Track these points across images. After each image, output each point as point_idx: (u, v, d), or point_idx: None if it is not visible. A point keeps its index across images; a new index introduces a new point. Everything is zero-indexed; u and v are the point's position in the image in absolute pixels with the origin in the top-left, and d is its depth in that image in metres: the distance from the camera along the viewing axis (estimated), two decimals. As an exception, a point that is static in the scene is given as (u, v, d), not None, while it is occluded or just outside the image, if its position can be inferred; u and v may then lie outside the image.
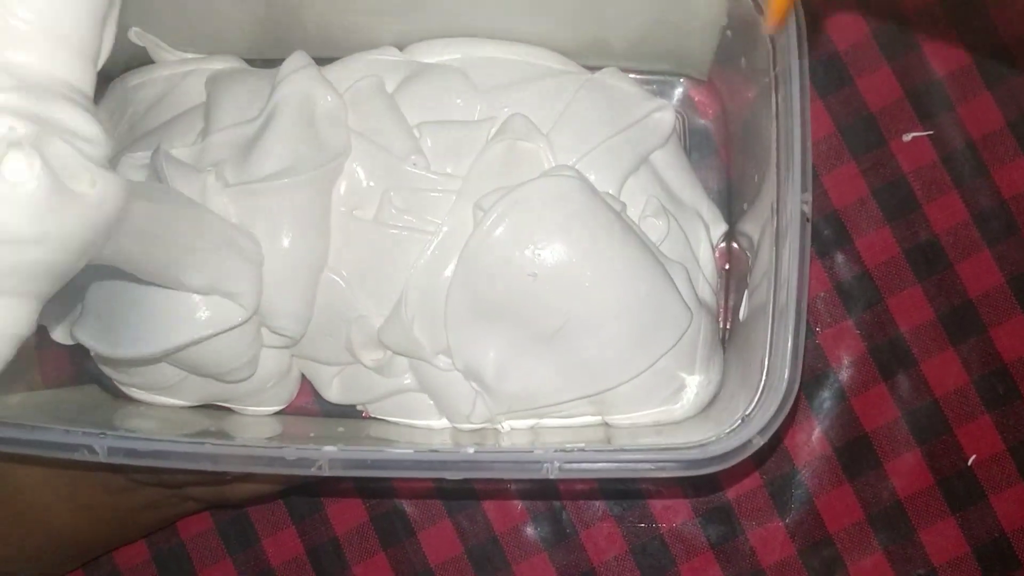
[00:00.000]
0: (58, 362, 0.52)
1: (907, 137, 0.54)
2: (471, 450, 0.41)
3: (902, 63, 0.55)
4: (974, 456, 0.53)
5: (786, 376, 0.39)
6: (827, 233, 0.54)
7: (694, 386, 0.47)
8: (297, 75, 0.47)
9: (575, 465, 0.40)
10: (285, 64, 0.47)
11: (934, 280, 0.54)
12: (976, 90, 0.54)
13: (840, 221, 0.54)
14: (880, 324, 0.54)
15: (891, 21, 0.55)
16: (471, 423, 0.48)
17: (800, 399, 0.53)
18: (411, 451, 0.41)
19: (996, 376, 0.53)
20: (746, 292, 0.47)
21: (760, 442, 0.39)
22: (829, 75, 0.55)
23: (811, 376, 0.54)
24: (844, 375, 0.54)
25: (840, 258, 0.54)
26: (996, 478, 0.53)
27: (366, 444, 0.45)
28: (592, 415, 0.48)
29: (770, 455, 0.53)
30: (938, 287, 0.54)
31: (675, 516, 0.53)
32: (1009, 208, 0.54)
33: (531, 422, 0.48)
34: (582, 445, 0.41)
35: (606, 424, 0.48)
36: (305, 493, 0.54)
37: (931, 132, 0.54)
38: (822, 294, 0.54)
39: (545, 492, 0.54)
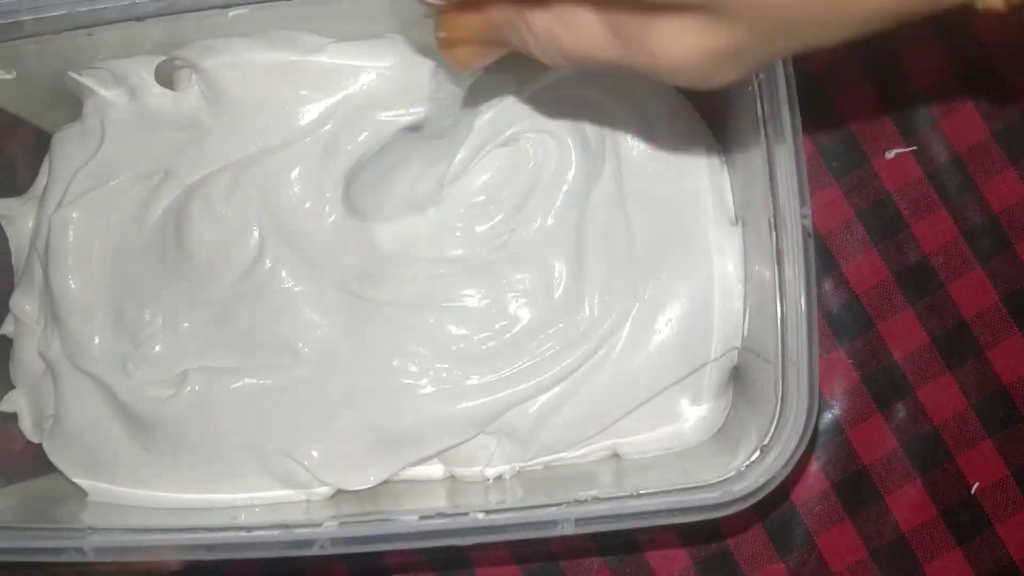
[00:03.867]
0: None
1: (890, 154, 0.52)
2: (480, 515, 0.39)
3: (881, 77, 0.52)
4: (977, 484, 0.51)
5: (805, 402, 0.38)
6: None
7: (705, 410, 0.46)
8: None
9: (591, 514, 0.38)
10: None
11: (926, 302, 0.52)
12: (959, 102, 0.52)
13: (825, 247, 0.52)
14: (873, 351, 0.52)
15: (869, 38, 0.52)
16: (487, 474, 0.46)
17: (794, 434, 0.51)
18: (416, 518, 0.39)
19: (996, 399, 0.51)
20: (747, 312, 0.45)
21: (784, 475, 0.38)
22: (806, 93, 0.52)
23: (804, 410, 0.52)
24: (838, 407, 0.52)
25: (827, 285, 0.52)
26: (1001, 505, 0.51)
27: (360, 510, 0.44)
28: (603, 448, 0.47)
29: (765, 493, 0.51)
30: (931, 309, 0.52)
31: (673, 565, 0.52)
32: (999, 222, 0.52)
33: (546, 459, 0.47)
34: (594, 492, 0.39)
35: (616, 456, 0.47)
36: (291, 566, 0.52)
37: (914, 148, 0.52)
38: (811, 324, 0.52)
39: (540, 547, 0.52)
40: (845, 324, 0.52)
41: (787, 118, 0.38)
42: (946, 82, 0.52)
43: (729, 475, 0.39)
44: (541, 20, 0.29)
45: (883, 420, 0.51)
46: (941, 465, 0.51)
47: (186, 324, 0.46)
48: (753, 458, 0.39)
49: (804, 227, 0.38)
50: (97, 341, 0.47)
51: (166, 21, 0.41)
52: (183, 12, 0.41)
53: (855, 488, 0.51)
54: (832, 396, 0.52)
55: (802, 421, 0.38)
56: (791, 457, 0.38)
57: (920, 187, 0.52)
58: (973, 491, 0.51)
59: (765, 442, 0.38)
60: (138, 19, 0.41)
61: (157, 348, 0.46)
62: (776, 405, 0.39)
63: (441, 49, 0.33)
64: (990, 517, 0.51)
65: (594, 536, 0.51)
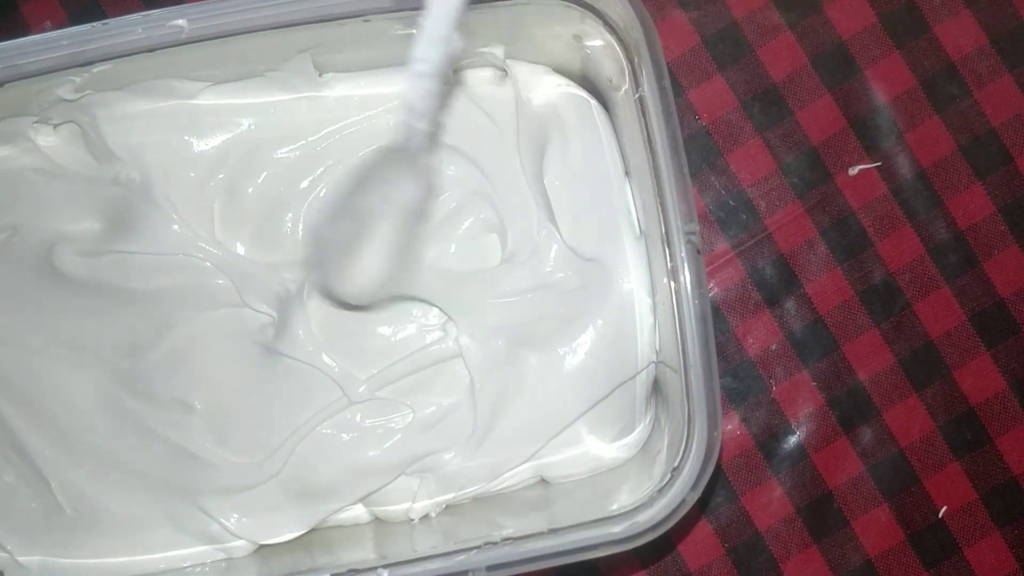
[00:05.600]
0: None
1: (853, 171, 0.51)
2: (385, 573, 0.38)
3: (844, 90, 0.51)
4: (945, 507, 0.50)
5: (706, 423, 0.38)
6: (774, 280, 0.51)
7: (628, 429, 0.45)
8: None
9: (502, 559, 0.38)
10: None
11: (892, 322, 0.50)
12: (924, 115, 0.51)
13: (788, 266, 0.51)
14: (837, 373, 0.50)
15: (829, 46, 0.51)
16: (412, 515, 0.45)
17: (758, 459, 0.50)
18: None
19: (963, 421, 0.50)
20: (657, 325, 0.44)
21: (694, 498, 0.38)
22: (766, 109, 0.51)
23: (768, 434, 0.50)
24: (803, 431, 0.50)
25: (790, 306, 0.51)
26: (969, 529, 0.50)
27: (289, 563, 0.43)
28: (530, 475, 0.46)
29: (729, 519, 0.50)
30: (897, 330, 0.50)
31: (634, 595, 0.51)
32: (966, 239, 0.50)
33: (473, 491, 0.46)
34: (508, 532, 0.39)
35: (543, 480, 0.46)
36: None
37: (879, 164, 0.51)
38: (773, 346, 0.51)
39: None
40: (809, 345, 0.51)
41: (665, 132, 0.38)
42: (910, 95, 0.51)
43: (640, 502, 0.38)
44: None
45: (849, 443, 0.50)
46: (908, 489, 0.50)
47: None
48: (664, 482, 0.38)
49: (691, 243, 0.38)
50: None
51: (36, 82, 0.40)
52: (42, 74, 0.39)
53: (821, 513, 0.50)
54: (796, 419, 0.50)
55: (704, 439, 0.38)
56: (698, 479, 0.37)
57: (885, 204, 0.51)
58: (941, 515, 0.50)
59: (675, 464, 0.38)
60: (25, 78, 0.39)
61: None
62: (684, 428, 0.39)
63: None
64: (958, 541, 0.50)
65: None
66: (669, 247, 0.38)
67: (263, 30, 0.39)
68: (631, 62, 0.39)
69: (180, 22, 0.38)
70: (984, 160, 0.50)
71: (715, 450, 0.37)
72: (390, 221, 0.40)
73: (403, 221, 0.41)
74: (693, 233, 0.37)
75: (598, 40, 0.41)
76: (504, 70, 0.45)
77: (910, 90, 0.51)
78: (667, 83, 0.37)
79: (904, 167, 0.51)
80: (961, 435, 0.50)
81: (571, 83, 0.46)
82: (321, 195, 0.45)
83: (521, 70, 0.45)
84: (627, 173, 0.45)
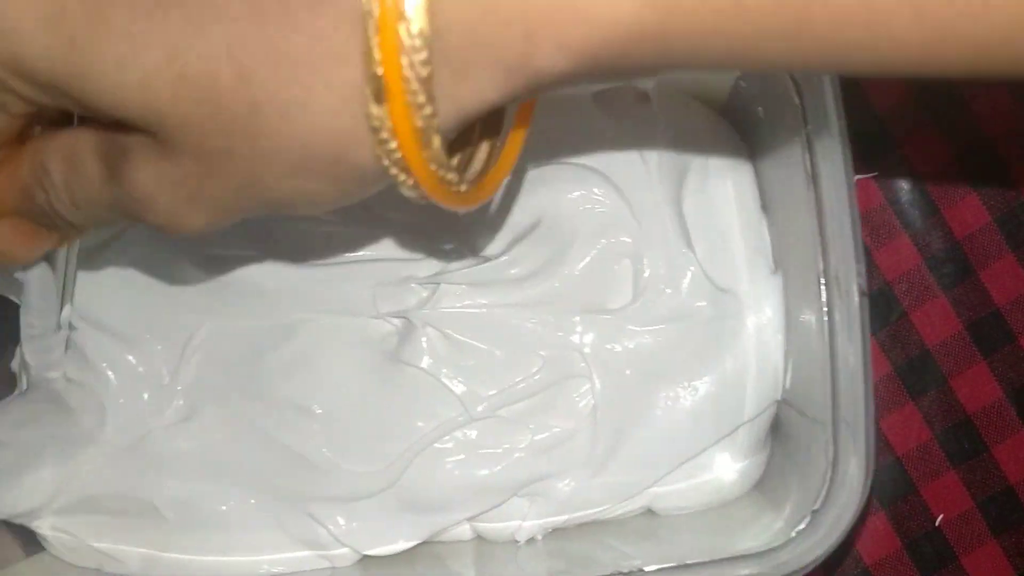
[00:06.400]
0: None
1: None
2: None
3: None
4: (941, 516, 0.50)
5: (862, 467, 0.37)
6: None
7: (744, 465, 0.45)
8: None
9: None
10: None
11: (888, 331, 0.51)
12: (921, 125, 0.51)
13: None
14: (835, 382, 0.51)
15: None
16: (519, 538, 0.44)
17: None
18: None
19: (960, 429, 0.50)
20: (789, 365, 0.44)
21: (837, 543, 0.37)
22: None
23: (766, 442, 0.51)
24: (800, 439, 0.51)
25: (788, 315, 0.51)
26: (966, 537, 0.50)
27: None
28: (638, 505, 0.45)
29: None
30: (893, 338, 0.51)
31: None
32: (962, 249, 0.51)
33: (580, 517, 0.45)
34: (638, 562, 0.39)
35: (650, 511, 0.45)
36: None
37: (875, 173, 0.51)
38: (772, 355, 0.51)
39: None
40: (807, 354, 0.51)
41: (841, 172, 0.38)
42: (906, 104, 0.51)
43: (776, 543, 0.38)
44: (56, 166, 0.27)
45: (846, 451, 0.50)
46: (905, 496, 0.50)
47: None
48: (802, 526, 0.38)
49: (859, 286, 0.37)
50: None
51: None
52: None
53: (818, 521, 0.50)
54: (794, 428, 0.51)
55: (859, 489, 0.37)
56: (848, 526, 0.37)
57: (882, 213, 0.51)
58: (938, 523, 0.50)
59: (816, 507, 0.38)
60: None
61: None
62: (826, 469, 0.38)
63: None
64: (955, 549, 0.50)
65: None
66: (827, 286, 0.38)
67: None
68: (799, 96, 0.39)
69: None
70: (980, 169, 0.51)
71: (861, 503, 0.37)
72: None
73: None
74: (860, 275, 0.37)
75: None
76: (647, 93, 0.45)
77: (905, 101, 0.51)
78: (843, 120, 0.38)
79: (900, 177, 0.51)
80: (958, 443, 0.50)
81: (712, 111, 0.46)
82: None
83: (665, 96, 0.45)
84: (763, 207, 0.46)
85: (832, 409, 0.38)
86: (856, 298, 0.37)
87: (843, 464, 0.38)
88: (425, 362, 0.44)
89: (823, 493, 0.38)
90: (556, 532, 0.45)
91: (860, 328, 0.37)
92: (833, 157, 0.38)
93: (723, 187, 0.45)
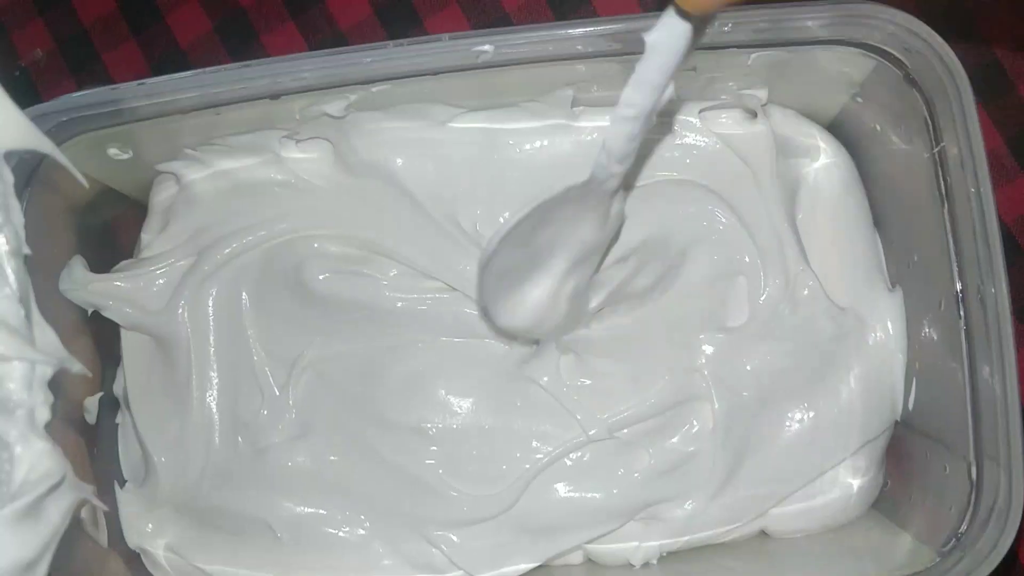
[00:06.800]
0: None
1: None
2: None
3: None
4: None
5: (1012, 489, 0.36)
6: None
7: (859, 486, 0.45)
8: None
9: None
10: None
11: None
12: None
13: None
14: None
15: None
16: (634, 562, 0.45)
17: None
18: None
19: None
20: (913, 382, 0.44)
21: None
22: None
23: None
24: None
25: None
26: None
27: None
28: (756, 525, 0.45)
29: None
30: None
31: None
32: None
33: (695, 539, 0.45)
34: None
35: (763, 533, 0.45)
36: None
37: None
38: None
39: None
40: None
41: (985, 195, 0.37)
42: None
43: (914, 566, 0.38)
44: None
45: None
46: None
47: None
48: (949, 545, 0.38)
49: (1000, 310, 0.36)
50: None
51: (299, 98, 0.41)
52: (323, 88, 0.40)
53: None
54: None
55: (1009, 507, 0.37)
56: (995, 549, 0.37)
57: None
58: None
59: (962, 529, 0.38)
60: (273, 97, 0.40)
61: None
62: (970, 491, 0.38)
63: None
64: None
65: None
66: (964, 304, 0.37)
67: (547, 61, 0.40)
68: (931, 115, 0.38)
69: (486, 47, 0.39)
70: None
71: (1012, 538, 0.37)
72: (561, 258, 0.40)
73: (572, 261, 0.40)
74: (1002, 295, 0.36)
75: (881, 88, 0.41)
76: (755, 112, 0.45)
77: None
78: (980, 136, 0.37)
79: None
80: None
81: (821, 128, 0.46)
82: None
83: (774, 113, 0.45)
84: (875, 223, 0.45)
85: (973, 442, 0.37)
86: (1008, 327, 0.36)
87: (988, 488, 0.37)
88: (544, 382, 0.44)
89: (967, 519, 0.38)
90: (671, 555, 0.45)
91: (1005, 353, 0.36)
92: (976, 173, 0.37)
93: (835, 203, 0.44)
